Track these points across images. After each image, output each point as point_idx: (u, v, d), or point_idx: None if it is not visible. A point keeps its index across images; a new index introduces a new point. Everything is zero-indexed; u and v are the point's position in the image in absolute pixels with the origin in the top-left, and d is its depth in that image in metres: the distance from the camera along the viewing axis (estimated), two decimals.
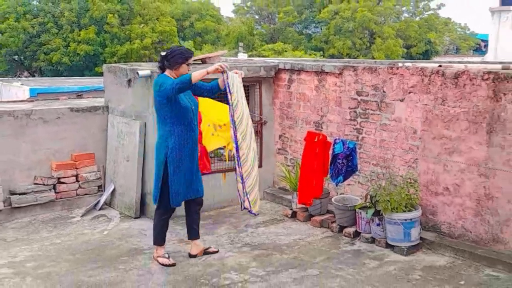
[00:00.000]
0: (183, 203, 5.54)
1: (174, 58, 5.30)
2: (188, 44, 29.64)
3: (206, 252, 5.74)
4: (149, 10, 30.07)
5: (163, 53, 5.40)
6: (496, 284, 5.00)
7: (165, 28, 30.11)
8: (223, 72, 5.19)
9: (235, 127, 5.21)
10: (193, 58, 5.76)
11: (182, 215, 6.86)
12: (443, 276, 5.18)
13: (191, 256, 5.67)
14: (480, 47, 39.80)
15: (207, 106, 6.00)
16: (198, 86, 5.41)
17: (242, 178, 5.30)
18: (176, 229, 6.53)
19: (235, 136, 5.22)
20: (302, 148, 6.45)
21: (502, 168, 5.35)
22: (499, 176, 5.38)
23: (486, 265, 5.33)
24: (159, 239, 5.57)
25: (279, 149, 7.91)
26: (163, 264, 5.45)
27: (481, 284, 5.00)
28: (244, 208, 5.48)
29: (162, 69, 5.39)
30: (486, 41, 29.28)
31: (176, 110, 5.25)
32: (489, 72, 5.46)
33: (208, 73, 5.18)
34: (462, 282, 5.04)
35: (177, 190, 5.33)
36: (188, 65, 5.41)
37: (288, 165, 7.56)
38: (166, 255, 5.53)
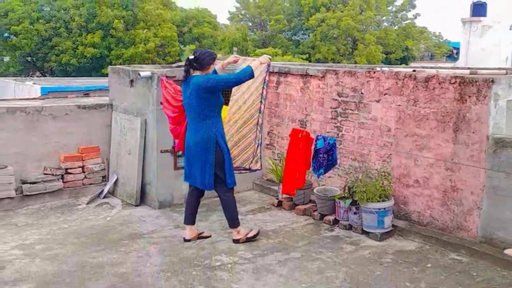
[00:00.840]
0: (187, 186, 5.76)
1: (205, 60, 5.39)
2: (190, 48, 29.56)
3: (200, 236, 5.78)
4: (151, 16, 29.97)
5: (192, 57, 5.40)
6: (459, 267, 5.07)
7: (166, 34, 30.03)
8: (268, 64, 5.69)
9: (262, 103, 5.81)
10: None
11: (179, 204, 6.95)
12: (412, 259, 5.25)
13: (186, 240, 5.70)
14: (452, 53, 39.85)
15: None
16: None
17: (260, 142, 5.91)
18: (173, 216, 6.57)
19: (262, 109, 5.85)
20: (287, 144, 6.49)
21: (466, 163, 5.41)
22: (463, 170, 5.45)
23: (451, 250, 5.40)
24: (238, 220, 5.67)
25: (267, 144, 7.95)
26: (254, 235, 5.67)
27: (446, 267, 5.07)
28: (251, 169, 5.99)
29: (188, 72, 5.40)
30: (458, 49, 29.35)
31: (220, 103, 5.49)
32: (456, 77, 5.52)
33: (261, 63, 5.55)
34: (429, 265, 5.11)
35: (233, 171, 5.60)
36: (214, 64, 5.54)
37: (275, 159, 7.60)
38: (248, 229, 5.76)
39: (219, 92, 5.43)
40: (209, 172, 5.41)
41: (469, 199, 5.43)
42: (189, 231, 5.75)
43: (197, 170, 5.48)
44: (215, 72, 5.63)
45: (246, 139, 5.89)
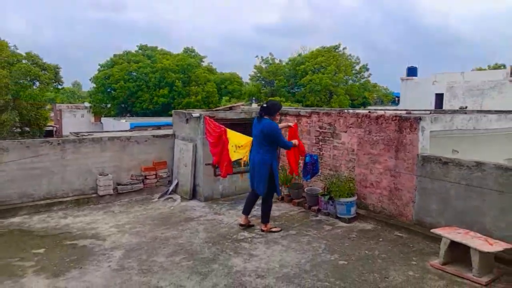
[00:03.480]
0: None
1: (272, 110, 5.14)
2: (225, 99, 29.83)
3: (248, 225, 5.45)
4: (200, 78, 30.44)
5: (265, 105, 5.14)
6: (401, 240, 4.98)
7: (209, 89, 30.43)
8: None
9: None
10: (223, 107, 5.83)
11: (217, 198, 6.94)
12: (369, 235, 5.18)
13: (241, 225, 5.43)
14: (395, 100, 39.58)
15: (232, 135, 6.02)
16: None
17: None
18: (213, 206, 6.55)
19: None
20: (287, 160, 6.43)
21: (404, 172, 5.36)
22: (402, 177, 5.39)
23: (395, 229, 5.31)
24: (268, 218, 5.34)
25: None
26: (276, 231, 5.25)
27: (392, 240, 4.99)
28: None
29: (261, 114, 5.12)
30: (398, 97, 29.19)
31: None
32: (396, 116, 5.49)
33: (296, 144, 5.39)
34: (381, 239, 5.03)
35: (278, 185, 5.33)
36: (279, 114, 5.22)
37: (279, 170, 7.55)
38: (274, 225, 5.40)
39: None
40: (264, 184, 5.10)
41: (406, 196, 5.36)
42: (244, 219, 5.46)
43: (256, 180, 5.18)
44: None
45: None
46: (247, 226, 5.46)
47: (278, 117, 5.29)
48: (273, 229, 5.31)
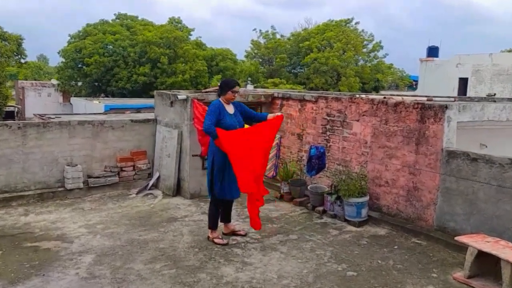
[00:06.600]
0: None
1: (222, 87, 4.87)
2: (216, 78, 29.57)
3: (234, 233, 5.22)
4: (188, 54, 30.10)
5: (219, 84, 5.02)
6: (419, 248, 4.93)
7: (199, 67, 30.13)
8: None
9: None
10: (214, 89, 5.67)
11: (205, 195, 6.84)
12: (382, 242, 5.12)
13: (224, 233, 5.16)
14: (412, 85, 39.44)
15: None
16: (249, 116, 4.99)
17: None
18: (200, 205, 6.46)
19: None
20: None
21: (425, 169, 5.28)
22: (423, 174, 5.32)
23: (413, 235, 5.27)
24: (211, 224, 5.02)
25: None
26: (218, 243, 4.89)
27: (409, 248, 4.94)
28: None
29: (219, 95, 4.90)
30: (416, 81, 29.11)
31: (224, 127, 4.68)
32: (418, 103, 5.40)
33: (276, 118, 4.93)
34: (396, 247, 4.98)
35: (221, 188, 4.84)
36: (233, 92, 4.81)
37: (279, 163, 7.47)
38: (220, 236, 5.02)
39: (219, 120, 4.69)
40: (208, 178, 4.88)
41: (427, 196, 5.30)
42: (224, 228, 5.24)
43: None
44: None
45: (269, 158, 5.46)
46: (232, 234, 5.23)
47: (231, 95, 4.81)
48: (216, 241, 4.93)
